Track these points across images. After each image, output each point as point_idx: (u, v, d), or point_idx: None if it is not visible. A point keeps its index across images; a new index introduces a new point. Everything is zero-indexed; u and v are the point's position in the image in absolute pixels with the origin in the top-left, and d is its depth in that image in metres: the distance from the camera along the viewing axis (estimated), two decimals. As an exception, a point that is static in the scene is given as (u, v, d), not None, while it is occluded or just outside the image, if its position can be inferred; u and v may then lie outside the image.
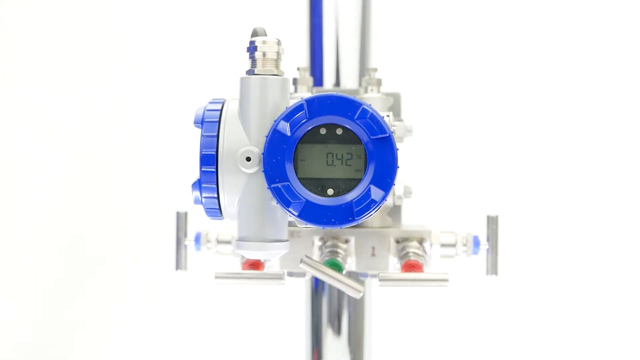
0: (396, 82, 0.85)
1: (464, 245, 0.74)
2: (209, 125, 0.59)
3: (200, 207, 0.60)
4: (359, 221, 0.56)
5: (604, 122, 1.19)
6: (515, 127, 1.20)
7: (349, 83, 0.83)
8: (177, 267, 0.80)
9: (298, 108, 0.55)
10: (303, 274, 0.75)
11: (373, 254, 0.73)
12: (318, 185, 0.57)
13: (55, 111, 1.21)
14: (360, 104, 0.55)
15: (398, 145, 0.57)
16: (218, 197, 0.59)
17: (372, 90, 0.74)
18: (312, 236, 0.73)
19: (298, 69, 0.76)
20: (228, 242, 0.78)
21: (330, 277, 0.65)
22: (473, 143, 1.20)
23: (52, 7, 1.21)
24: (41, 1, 1.22)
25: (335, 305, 0.84)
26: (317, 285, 0.84)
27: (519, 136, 1.20)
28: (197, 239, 0.78)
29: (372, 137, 0.55)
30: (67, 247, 1.22)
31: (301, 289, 0.86)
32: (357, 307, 0.84)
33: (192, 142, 0.65)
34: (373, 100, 0.73)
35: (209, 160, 0.59)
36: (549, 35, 1.19)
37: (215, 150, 0.59)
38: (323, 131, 0.56)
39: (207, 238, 0.78)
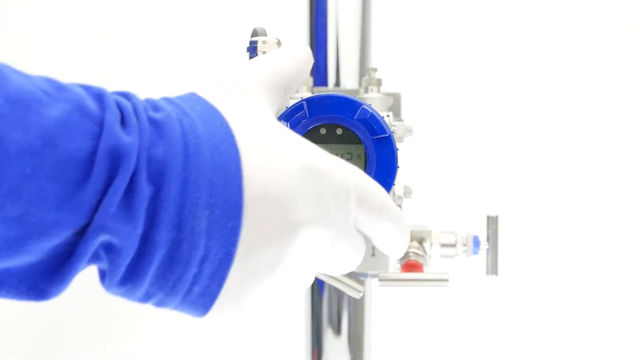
0: (396, 82, 0.85)
1: (464, 245, 0.74)
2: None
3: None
4: None
5: (604, 122, 1.19)
6: (516, 127, 1.20)
7: (349, 83, 0.83)
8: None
9: (298, 108, 0.55)
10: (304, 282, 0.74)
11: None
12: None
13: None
14: (360, 104, 0.55)
15: (398, 145, 0.57)
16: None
17: (372, 90, 0.74)
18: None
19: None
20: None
21: (330, 277, 0.65)
22: (473, 143, 1.20)
23: (50, 3, 1.21)
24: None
25: (335, 305, 0.84)
26: (321, 286, 0.84)
27: (519, 136, 1.20)
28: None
29: (372, 137, 0.55)
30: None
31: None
32: (357, 307, 0.84)
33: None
34: (373, 100, 0.73)
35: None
36: (549, 34, 1.19)
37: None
38: (323, 131, 0.56)
39: (207, 238, 0.78)
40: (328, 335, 0.84)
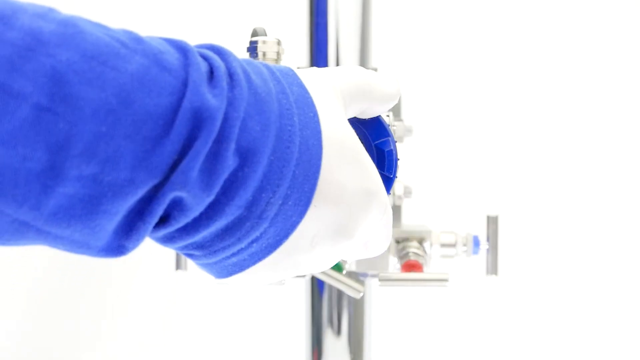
0: (396, 82, 0.85)
1: (464, 245, 0.74)
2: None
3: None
4: None
5: (604, 122, 1.19)
6: (515, 127, 1.20)
7: (349, 83, 0.82)
8: (177, 267, 0.80)
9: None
10: (303, 274, 0.74)
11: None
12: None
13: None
14: (388, 134, 0.54)
15: (398, 144, 0.56)
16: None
17: (372, 90, 0.74)
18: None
19: (298, 69, 0.76)
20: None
21: (330, 277, 0.65)
22: (473, 143, 1.20)
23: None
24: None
25: (335, 305, 0.84)
26: (321, 286, 0.84)
27: (519, 136, 1.20)
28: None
29: (374, 142, 0.54)
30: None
31: (301, 289, 0.86)
32: (357, 307, 0.84)
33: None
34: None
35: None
36: (549, 34, 1.19)
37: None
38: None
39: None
40: (328, 335, 0.84)
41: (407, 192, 0.73)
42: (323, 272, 0.65)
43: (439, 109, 1.20)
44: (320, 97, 0.45)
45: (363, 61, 0.83)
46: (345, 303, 0.84)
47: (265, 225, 0.42)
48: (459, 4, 1.20)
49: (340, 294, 0.83)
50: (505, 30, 1.20)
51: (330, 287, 0.83)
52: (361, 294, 0.65)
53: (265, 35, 0.60)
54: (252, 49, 0.59)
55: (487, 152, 1.20)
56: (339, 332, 0.84)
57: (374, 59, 0.85)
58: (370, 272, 0.74)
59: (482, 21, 1.20)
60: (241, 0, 1.21)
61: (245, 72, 0.41)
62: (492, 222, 0.75)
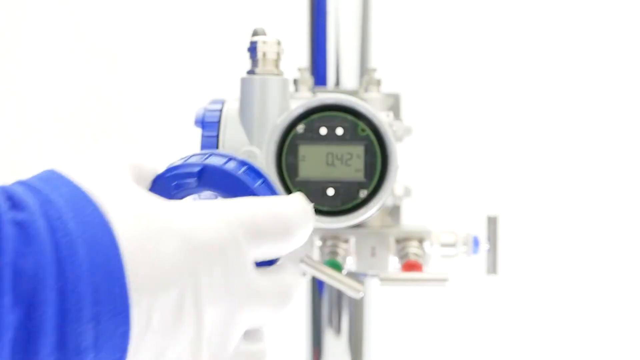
0: (396, 82, 0.85)
1: (464, 245, 0.74)
2: (210, 125, 0.59)
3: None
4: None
5: (604, 122, 1.19)
6: (515, 127, 1.20)
7: (349, 83, 0.83)
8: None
9: (189, 174, 0.47)
10: (303, 274, 0.74)
11: (373, 254, 0.73)
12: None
13: (53, 113, 1.21)
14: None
15: (398, 144, 0.57)
16: (218, 197, 0.59)
17: (372, 90, 0.74)
18: (312, 236, 0.73)
19: (299, 69, 0.76)
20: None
21: (330, 277, 0.65)
22: (473, 143, 1.20)
23: (42, 6, 1.21)
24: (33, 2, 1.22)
25: (336, 305, 0.84)
26: (321, 286, 0.85)
27: (519, 136, 1.20)
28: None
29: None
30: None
31: (301, 289, 0.86)
32: (357, 307, 0.84)
33: (192, 142, 0.65)
34: (373, 100, 0.73)
35: (210, 160, 0.58)
36: (549, 35, 1.19)
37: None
38: (323, 131, 0.56)
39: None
40: (328, 335, 0.84)
41: (407, 192, 0.73)
42: (323, 272, 0.65)
43: (438, 109, 1.20)
44: (96, 184, 0.39)
45: (363, 61, 0.83)
46: (345, 303, 0.84)
47: (90, 356, 0.36)
48: (459, 4, 1.20)
49: (340, 294, 0.83)
50: (505, 30, 1.20)
51: (330, 287, 0.83)
52: (361, 294, 0.65)
53: (265, 35, 0.60)
54: (252, 49, 0.59)
55: (487, 152, 1.20)
56: (339, 332, 0.84)
57: (374, 59, 0.85)
58: (370, 272, 0.74)
59: (482, 21, 1.20)
60: (241, 0, 1.21)
61: (9, 207, 0.36)
62: (492, 222, 0.75)
